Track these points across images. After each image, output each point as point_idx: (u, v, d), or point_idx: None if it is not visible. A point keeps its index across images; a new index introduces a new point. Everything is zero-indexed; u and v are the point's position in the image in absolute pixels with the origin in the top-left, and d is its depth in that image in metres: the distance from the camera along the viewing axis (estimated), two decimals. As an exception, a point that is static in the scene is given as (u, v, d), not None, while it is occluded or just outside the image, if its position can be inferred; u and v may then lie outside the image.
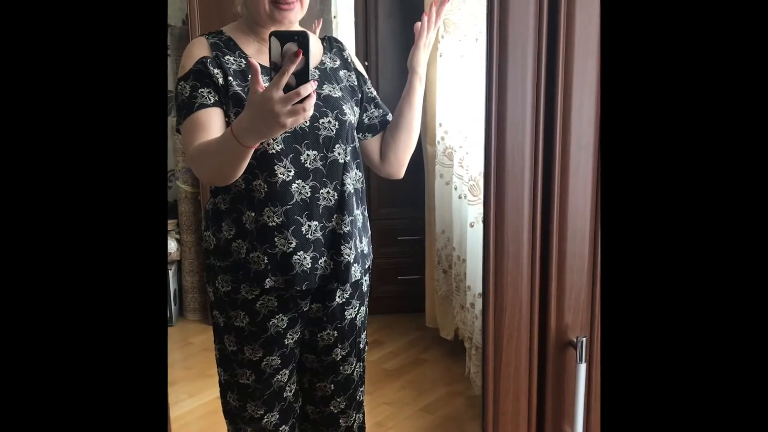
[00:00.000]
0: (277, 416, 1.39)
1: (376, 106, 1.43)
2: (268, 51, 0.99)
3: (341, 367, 1.42)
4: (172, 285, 2.64)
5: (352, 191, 1.31)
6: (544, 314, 0.84)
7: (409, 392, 2.33)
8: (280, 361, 1.35)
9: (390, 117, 1.43)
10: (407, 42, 2.69)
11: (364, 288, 1.41)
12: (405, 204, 2.64)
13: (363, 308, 1.43)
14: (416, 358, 2.52)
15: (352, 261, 1.31)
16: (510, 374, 0.84)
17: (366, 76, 1.43)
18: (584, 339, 0.82)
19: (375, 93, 1.43)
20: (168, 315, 2.60)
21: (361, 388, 1.49)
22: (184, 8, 2.77)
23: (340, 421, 1.46)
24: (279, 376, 1.36)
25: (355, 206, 1.33)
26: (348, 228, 1.30)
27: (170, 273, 2.62)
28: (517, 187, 0.82)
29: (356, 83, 1.38)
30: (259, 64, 1.01)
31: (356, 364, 1.45)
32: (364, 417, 1.51)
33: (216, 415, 2.03)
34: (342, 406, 1.45)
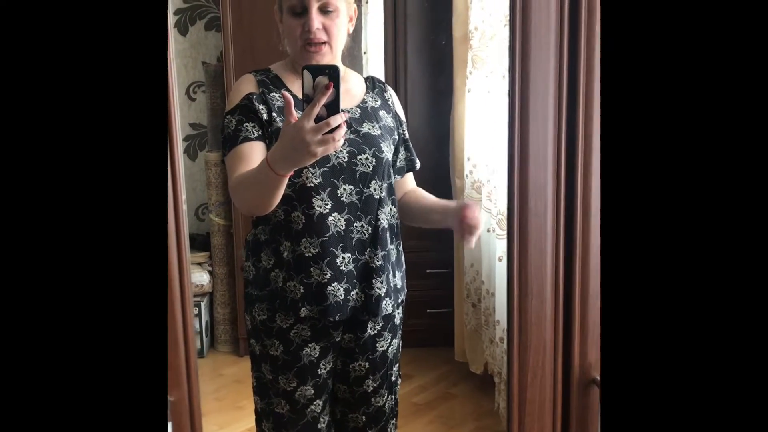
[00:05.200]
0: None
1: (407, 149, 1.48)
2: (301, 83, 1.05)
3: (372, 399, 1.44)
4: (204, 317, 2.69)
5: (386, 226, 1.35)
6: (568, 352, 0.86)
7: (437, 427, 2.33)
8: (313, 392, 1.37)
9: (417, 163, 1.48)
10: (434, 77, 2.74)
11: (397, 321, 1.44)
12: (434, 237, 2.67)
13: (395, 341, 1.45)
14: (445, 392, 2.52)
15: (383, 295, 1.34)
16: (535, 411, 0.86)
17: (403, 118, 1.49)
18: None
19: (408, 136, 1.49)
20: (200, 347, 2.65)
21: (393, 421, 1.51)
22: (219, 46, 2.87)
23: None
24: (312, 407, 1.39)
25: (388, 241, 1.36)
26: (380, 262, 1.34)
27: (202, 305, 2.67)
28: (540, 226, 0.84)
29: (394, 124, 1.43)
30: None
31: (387, 397, 1.47)
32: None
33: (247, 445, 2.06)
34: None
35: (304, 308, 1.31)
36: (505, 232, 2.04)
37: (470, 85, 2.32)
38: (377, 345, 1.41)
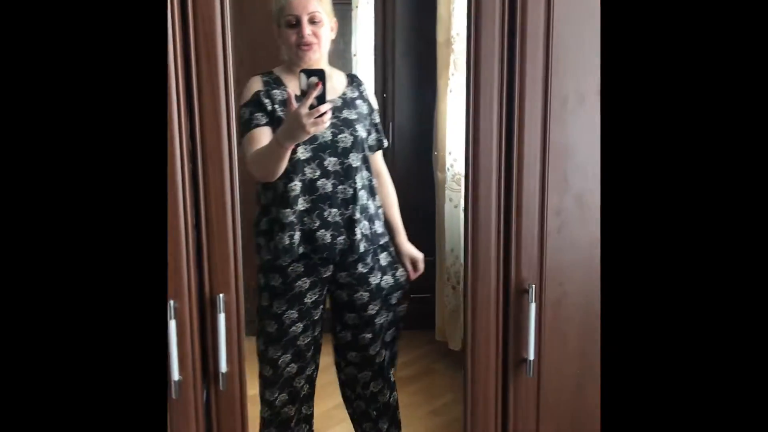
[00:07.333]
0: (289, 357, 2.02)
1: (377, 131, 2.09)
2: (298, 82, 1.64)
3: (375, 319, 2.07)
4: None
5: (361, 186, 1.94)
6: (508, 269, 1.33)
7: (420, 397, 2.76)
8: (296, 315, 1.96)
9: (385, 143, 2.13)
10: (420, 78, 3.21)
11: (383, 262, 2.06)
12: (416, 228, 3.09)
13: (386, 277, 2.06)
14: (427, 367, 2.95)
15: (360, 238, 1.94)
16: (483, 314, 1.33)
17: (374, 107, 2.10)
18: (534, 285, 1.31)
19: (378, 120, 2.10)
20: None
21: (390, 331, 2.16)
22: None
23: (376, 359, 2.12)
24: (294, 328, 1.97)
25: (365, 198, 1.94)
26: (359, 214, 1.93)
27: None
28: (488, 181, 1.32)
29: (367, 111, 2.04)
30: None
31: (387, 314, 2.11)
32: (393, 354, 2.19)
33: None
34: (377, 349, 2.10)
35: (302, 247, 1.90)
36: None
37: (452, 86, 2.77)
38: (370, 279, 1.93)
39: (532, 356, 1.32)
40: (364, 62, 3.17)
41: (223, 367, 1.25)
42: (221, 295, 1.24)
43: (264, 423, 2.11)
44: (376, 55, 3.14)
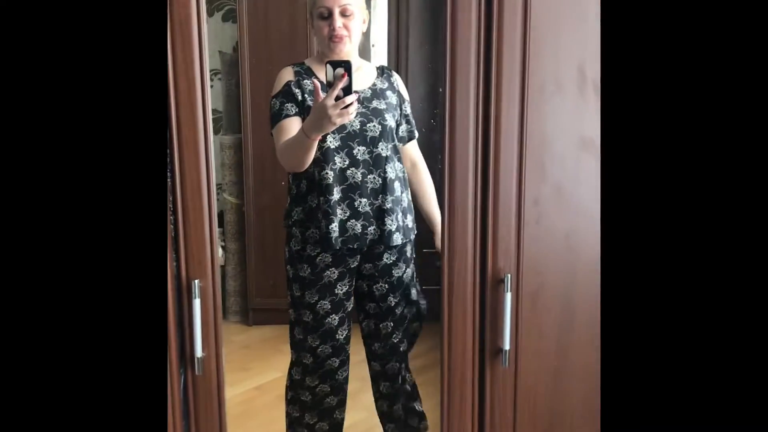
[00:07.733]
0: (330, 350, 2.04)
1: (407, 122, 2.11)
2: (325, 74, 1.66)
3: (396, 310, 2.08)
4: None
5: (393, 177, 1.94)
6: (484, 259, 1.33)
7: (427, 388, 2.77)
8: (330, 306, 1.95)
9: (416, 134, 2.12)
10: (434, 69, 3.21)
11: (408, 254, 2.06)
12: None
13: (408, 269, 2.07)
14: (435, 359, 2.96)
15: (393, 230, 1.93)
16: (459, 303, 1.33)
17: (405, 97, 2.12)
18: (510, 275, 1.31)
19: (409, 111, 2.12)
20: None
21: (415, 324, 2.20)
22: (235, 36, 3.35)
23: (400, 348, 2.15)
24: (329, 320, 1.98)
25: (396, 189, 1.94)
26: (390, 205, 1.93)
27: (214, 276, 3.14)
28: (465, 170, 1.31)
29: (397, 101, 2.06)
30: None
31: (407, 307, 2.12)
32: (411, 342, 2.22)
33: (250, 403, 2.57)
34: (400, 337, 2.13)
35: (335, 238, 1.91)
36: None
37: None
38: (393, 272, 2.00)
39: (507, 346, 1.32)
40: (382, 53, 3.20)
41: (199, 352, 1.27)
42: (197, 280, 1.26)
43: (301, 406, 2.14)
44: (389, 45, 3.16)
